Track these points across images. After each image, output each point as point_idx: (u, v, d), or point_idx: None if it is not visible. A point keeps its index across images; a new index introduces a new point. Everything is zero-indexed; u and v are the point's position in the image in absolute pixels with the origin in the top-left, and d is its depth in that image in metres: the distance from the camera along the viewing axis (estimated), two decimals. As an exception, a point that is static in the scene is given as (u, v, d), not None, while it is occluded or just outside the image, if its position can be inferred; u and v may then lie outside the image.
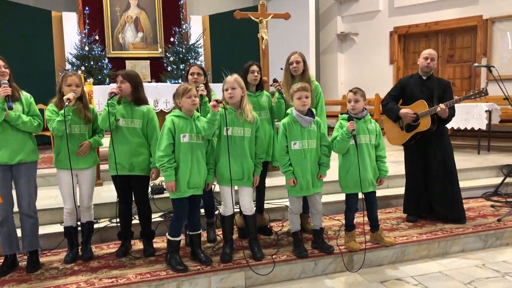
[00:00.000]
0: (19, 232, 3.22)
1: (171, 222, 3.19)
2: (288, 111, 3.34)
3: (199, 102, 3.20)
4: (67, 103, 3.02)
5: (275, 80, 3.76)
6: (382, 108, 4.19)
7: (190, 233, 3.24)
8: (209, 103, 3.52)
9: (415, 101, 3.96)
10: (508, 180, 4.88)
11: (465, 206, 4.22)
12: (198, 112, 3.27)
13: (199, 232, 3.25)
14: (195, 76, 3.60)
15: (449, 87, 4.02)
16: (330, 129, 3.77)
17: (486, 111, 6.22)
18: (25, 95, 3.17)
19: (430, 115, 3.84)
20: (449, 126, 4.14)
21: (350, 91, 3.36)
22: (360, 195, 3.41)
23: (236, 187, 3.35)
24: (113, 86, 3.33)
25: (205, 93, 3.48)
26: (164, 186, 3.13)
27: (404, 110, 3.96)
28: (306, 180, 3.24)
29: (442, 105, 3.75)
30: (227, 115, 3.14)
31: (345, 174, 3.35)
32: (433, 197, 4.01)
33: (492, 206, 4.48)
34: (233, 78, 3.20)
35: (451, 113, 3.89)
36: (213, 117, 3.03)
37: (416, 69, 4.14)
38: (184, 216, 3.13)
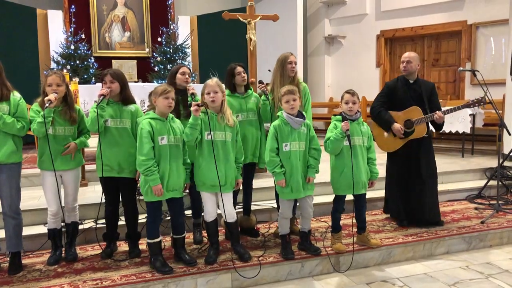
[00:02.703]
0: (2, 233, 3.15)
1: (148, 224, 3.11)
2: (279, 113, 3.30)
3: (172, 103, 3.11)
4: (47, 105, 2.96)
5: (261, 82, 3.74)
6: (372, 114, 4.09)
7: (175, 236, 3.20)
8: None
9: (405, 105, 3.92)
10: (491, 182, 4.96)
11: (450, 208, 4.27)
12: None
13: (183, 235, 3.22)
14: (187, 76, 3.53)
15: (434, 89, 4.03)
16: (317, 131, 3.79)
17: (470, 114, 6.32)
18: (15, 95, 3.07)
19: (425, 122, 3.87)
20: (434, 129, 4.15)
21: (347, 92, 3.33)
22: (350, 197, 3.42)
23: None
24: (99, 86, 3.27)
25: (196, 91, 3.45)
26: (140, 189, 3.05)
27: (397, 126, 3.88)
28: (296, 181, 3.20)
29: (439, 113, 3.76)
30: (209, 120, 3.10)
31: (339, 175, 3.34)
32: (414, 201, 3.97)
33: (476, 208, 4.54)
34: (214, 81, 3.14)
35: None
36: (195, 121, 2.99)
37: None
38: (160, 216, 3.09)
